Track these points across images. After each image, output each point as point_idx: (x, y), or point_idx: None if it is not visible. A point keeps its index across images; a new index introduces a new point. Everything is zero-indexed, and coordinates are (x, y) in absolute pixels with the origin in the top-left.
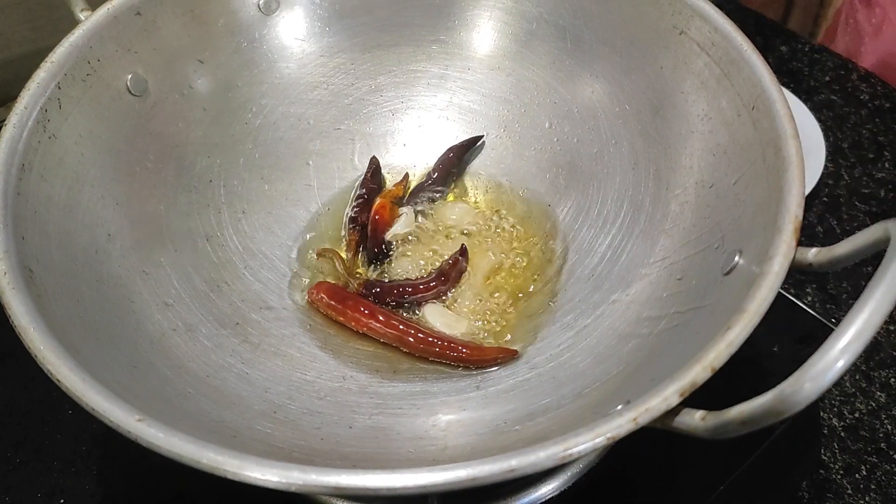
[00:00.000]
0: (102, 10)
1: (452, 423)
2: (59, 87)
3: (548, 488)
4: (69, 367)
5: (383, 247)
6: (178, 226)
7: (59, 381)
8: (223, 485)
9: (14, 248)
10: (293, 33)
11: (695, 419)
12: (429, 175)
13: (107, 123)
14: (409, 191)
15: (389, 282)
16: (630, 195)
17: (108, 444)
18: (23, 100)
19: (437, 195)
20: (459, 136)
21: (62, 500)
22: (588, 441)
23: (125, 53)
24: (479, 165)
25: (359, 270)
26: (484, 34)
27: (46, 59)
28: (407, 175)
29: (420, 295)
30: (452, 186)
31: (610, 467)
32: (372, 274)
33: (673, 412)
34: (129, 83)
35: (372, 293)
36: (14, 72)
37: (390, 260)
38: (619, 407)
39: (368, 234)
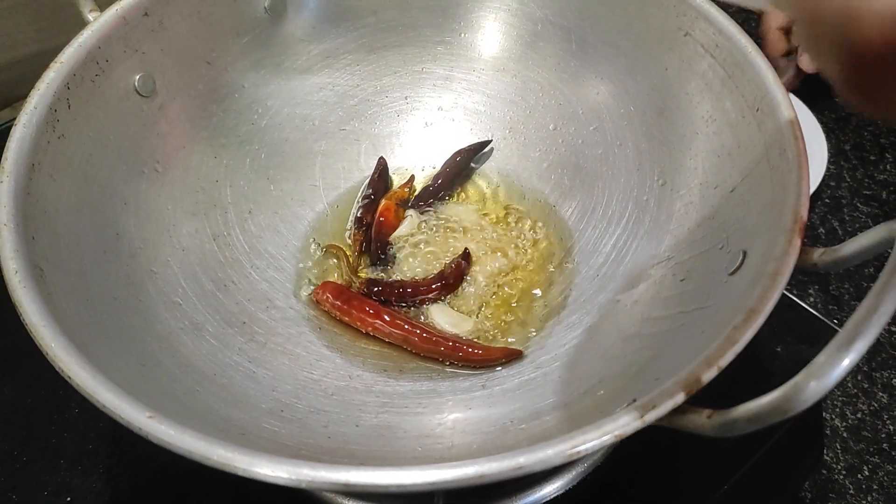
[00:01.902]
0: (111, 11)
1: (459, 421)
2: (69, 88)
3: (552, 487)
4: (79, 364)
5: (387, 248)
6: (186, 225)
7: (69, 377)
8: (230, 483)
9: (24, 247)
10: (299, 34)
11: (701, 417)
12: (435, 177)
13: (115, 124)
14: (415, 193)
15: (391, 281)
16: (635, 196)
17: (116, 442)
18: (32, 100)
19: (443, 198)
20: (465, 136)
21: (69, 499)
22: (595, 439)
23: (133, 54)
24: (484, 166)
25: (362, 270)
26: (489, 36)
27: (56, 59)
28: (413, 177)
29: (420, 296)
30: (458, 190)
31: (614, 467)
32: (375, 274)
33: (679, 410)
34: (137, 84)
35: (373, 292)
36: (21, 72)
37: (394, 261)
38: (626, 405)
39: (372, 236)
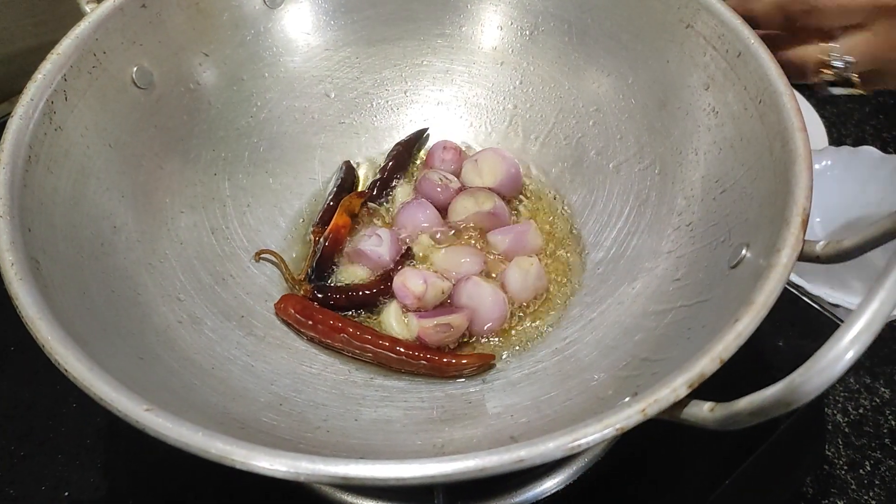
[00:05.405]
0: (108, 2)
1: (458, 415)
2: (66, 79)
3: (553, 482)
4: (77, 357)
5: (334, 262)
6: (184, 219)
7: (66, 370)
8: (227, 478)
9: (21, 239)
10: (298, 27)
11: (703, 410)
12: (381, 170)
13: (112, 116)
14: (367, 185)
15: (340, 286)
16: (636, 189)
17: (113, 437)
18: (29, 91)
19: (390, 191)
20: (464, 130)
21: (67, 493)
22: (597, 432)
23: (130, 46)
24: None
25: (300, 275)
26: (489, 28)
27: (53, 50)
28: (368, 192)
29: (370, 298)
30: (404, 180)
31: (615, 462)
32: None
33: (681, 404)
34: (134, 76)
35: (327, 300)
36: (18, 66)
37: (336, 271)
38: (627, 399)
39: (322, 252)
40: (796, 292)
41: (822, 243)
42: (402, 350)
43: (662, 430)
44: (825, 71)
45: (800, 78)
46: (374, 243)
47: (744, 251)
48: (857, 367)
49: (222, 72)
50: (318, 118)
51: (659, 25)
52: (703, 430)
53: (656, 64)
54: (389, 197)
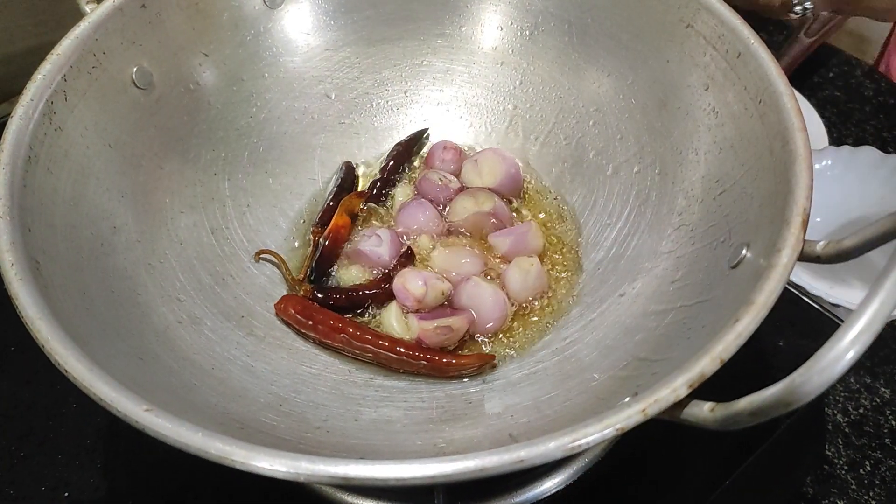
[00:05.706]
0: (108, 3)
1: (458, 415)
2: (65, 80)
3: (553, 482)
4: (76, 357)
5: (333, 264)
6: (184, 219)
7: (66, 371)
8: (226, 478)
9: (20, 239)
10: (298, 27)
11: (703, 410)
12: (381, 171)
13: (112, 116)
14: (367, 185)
15: (340, 287)
16: (636, 189)
17: (113, 437)
18: (29, 92)
19: (389, 189)
20: (464, 130)
21: (66, 494)
22: (597, 432)
23: (130, 46)
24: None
25: (299, 274)
26: (489, 28)
27: (52, 51)
28: (368, 192)
29: (370, 298)
30: (404, 180)
31: (615, 462)
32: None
33: (681, 404)
34: (134, 76)
35: (327, 300)
36: (18, 66)
37: (336, 271)
38: (628, 399)
39: (322, 252)
40: (796, 292)
41: (822, 243)
42: (402, 350)
43: (662, 430)
44: (790, 15)
45: (769, 13)
46: (374, 243)
47: (744, 251)
48: (858, 367)
49: (222, 72)
50: (317, 118)
51: (659, 25)
52: (703, 430)
53: (656, 64)
54: (389, 197)
